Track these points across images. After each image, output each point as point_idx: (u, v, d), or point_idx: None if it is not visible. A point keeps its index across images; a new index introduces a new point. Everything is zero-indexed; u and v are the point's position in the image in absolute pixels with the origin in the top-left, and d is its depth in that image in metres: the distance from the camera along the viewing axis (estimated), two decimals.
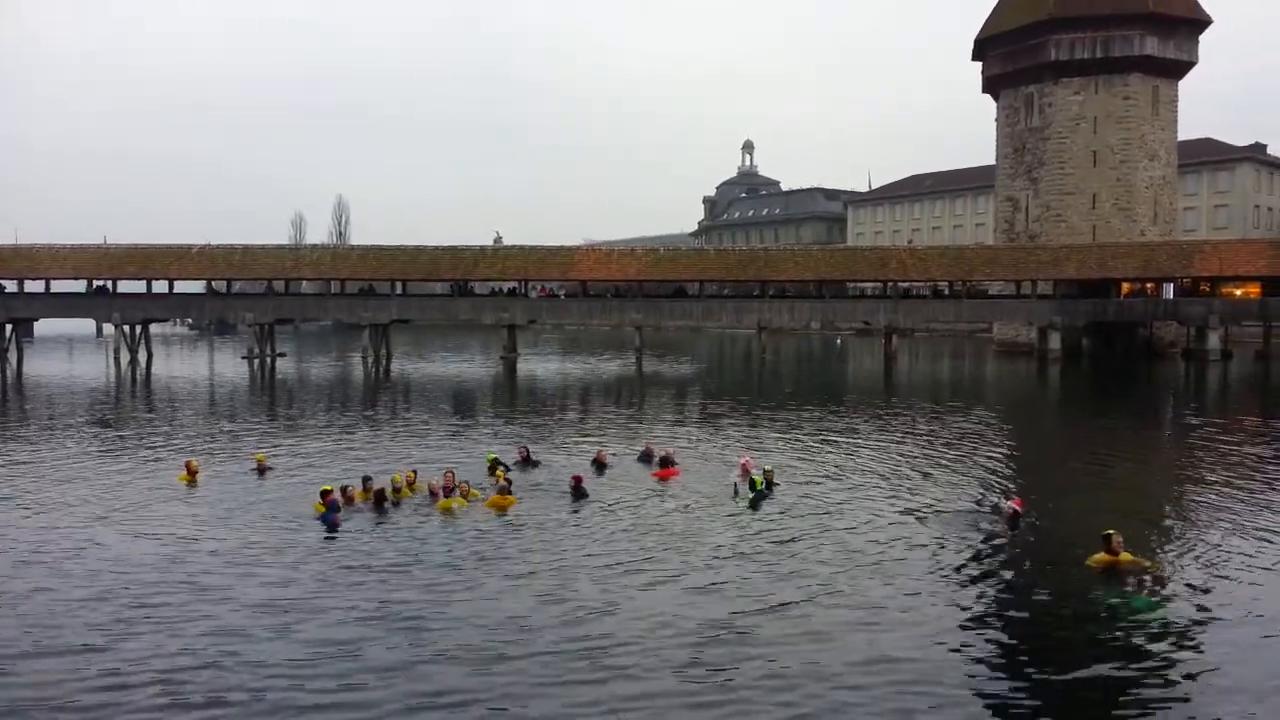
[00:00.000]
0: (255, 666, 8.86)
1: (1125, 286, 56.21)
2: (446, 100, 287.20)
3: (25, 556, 12.65)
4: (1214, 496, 16.49)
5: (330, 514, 14.28)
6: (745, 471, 17.16)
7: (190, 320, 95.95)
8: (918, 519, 14.67)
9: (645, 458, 19.55)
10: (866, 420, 27.81)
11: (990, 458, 21.17)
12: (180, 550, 12.91)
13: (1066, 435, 26.93)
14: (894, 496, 16.42)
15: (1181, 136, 63.86)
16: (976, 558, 12.55)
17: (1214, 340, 51.61)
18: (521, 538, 13.46)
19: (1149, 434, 27.71)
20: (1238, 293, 55.31)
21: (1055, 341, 52.98)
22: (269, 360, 55.32)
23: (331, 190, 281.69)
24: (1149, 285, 55.66)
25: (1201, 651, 9.33)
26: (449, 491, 15.35)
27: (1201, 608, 10.53)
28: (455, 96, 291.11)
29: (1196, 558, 12.49)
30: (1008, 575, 11.85)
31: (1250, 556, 12.54)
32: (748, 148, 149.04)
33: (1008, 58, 62.89)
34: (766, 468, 16.96)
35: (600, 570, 11.88)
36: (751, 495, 15.72)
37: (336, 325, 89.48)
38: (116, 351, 55.40)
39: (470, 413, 31.01)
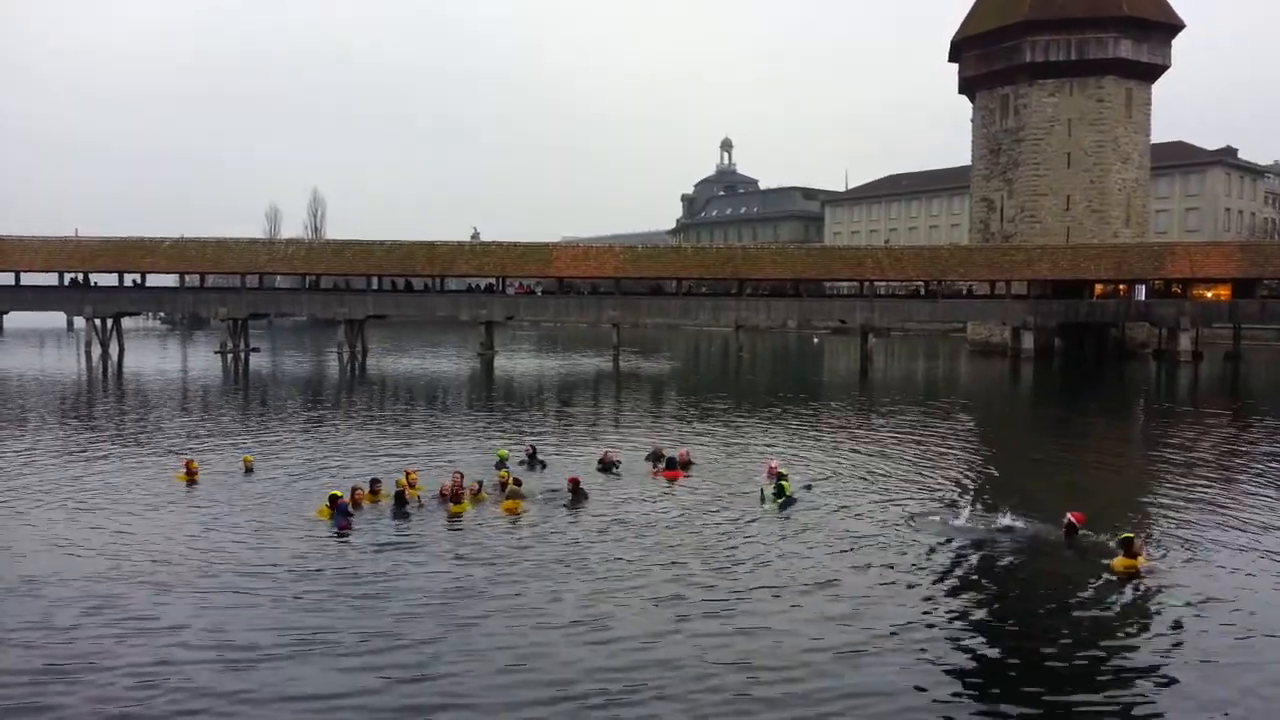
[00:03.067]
0: None
1: (1098, 288, 56.94)
2: (424, 97, 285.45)
3: None
4: (1213, 492, 16.72)
5: (339, 518, 13.92)
6: (771, 475, 16.65)
7: (163, 314, 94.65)
8: (943, 524, 14.45)
9: (655, 458, 19.04)
10: (857, 420, 27.90)
11: (989, 461, 21.38)
12: (173, 562, 12.36)
13: (1055, 436, 26.96)
14: (908, 501, 16.14)
15: (1154, 139, 64.70)
16: (1000, 565, 12.51)
17: (1185, 341, 52.35)
18: (539, 554, 12.56)
19: (1135, 433, 28.10)
20: (1208, 295, 56.22)
21: (1028, 341, 53.49)
22: (242, 355, 54.68)
23: (306, 184, 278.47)
24: (1121, 286, 56.42)
25: (1218, 649, 9.42)
26: (458, 494, 15.06)
27: (1223, 605, 10.65)
28: (433, 93, 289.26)
29: (1207, 554, 12.63)
30: (1034, 581, 11.81)
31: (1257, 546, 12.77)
32: (726, 146, 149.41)
33: (983, 59, 63.41)
34: (783, 473, 16.53)
35: (630, 598, 10.83)
36: (780, 501, 15.34)
37: (311, 321, 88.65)
38: (88, 345, 54.56)
39: (451, 411, 30.81)
